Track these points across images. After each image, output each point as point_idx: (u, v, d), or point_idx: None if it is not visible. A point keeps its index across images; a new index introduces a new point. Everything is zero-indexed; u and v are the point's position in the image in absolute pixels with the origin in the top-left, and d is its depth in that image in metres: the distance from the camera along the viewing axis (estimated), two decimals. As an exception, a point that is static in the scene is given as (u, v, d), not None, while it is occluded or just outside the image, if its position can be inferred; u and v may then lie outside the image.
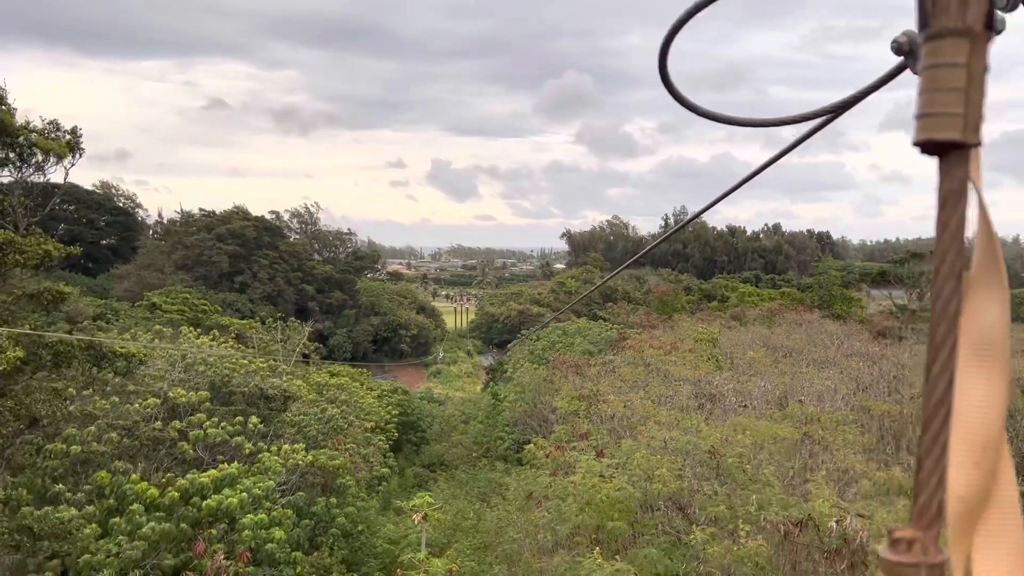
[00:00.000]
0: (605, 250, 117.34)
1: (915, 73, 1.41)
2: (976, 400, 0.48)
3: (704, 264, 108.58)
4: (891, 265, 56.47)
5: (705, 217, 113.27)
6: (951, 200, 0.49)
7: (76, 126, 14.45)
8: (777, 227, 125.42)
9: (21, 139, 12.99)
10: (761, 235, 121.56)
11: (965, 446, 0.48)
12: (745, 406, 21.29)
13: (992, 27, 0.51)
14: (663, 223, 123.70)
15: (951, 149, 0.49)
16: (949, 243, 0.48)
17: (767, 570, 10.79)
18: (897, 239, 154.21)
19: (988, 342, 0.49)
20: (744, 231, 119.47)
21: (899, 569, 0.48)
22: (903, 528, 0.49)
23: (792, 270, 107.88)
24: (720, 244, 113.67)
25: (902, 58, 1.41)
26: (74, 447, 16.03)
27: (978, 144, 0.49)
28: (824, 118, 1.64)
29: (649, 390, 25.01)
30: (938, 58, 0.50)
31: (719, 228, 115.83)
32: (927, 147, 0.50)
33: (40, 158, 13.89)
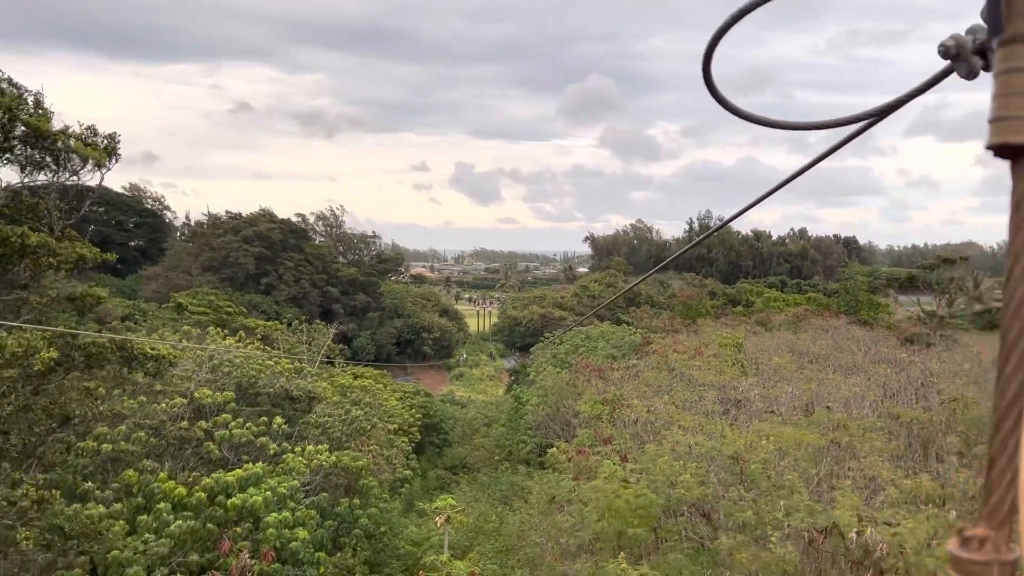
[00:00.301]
0: (628, 254, 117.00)
1: (962, 77, 1.41)
2: None
3: (729, 269, 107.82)
4: (920, 270, 55.72)
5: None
6: (1022, 204, 0.49)
7: (115, 132, 14.69)
8: (803, 232, 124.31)
9: (59, 144, 13.24)
10: (787, 240, 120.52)
11: None
12: (771, 412, 21.10)
13: None
14: (688, 227, 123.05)
15: (1021, 153, 0.49)
16: (1022, 245, 0.48)
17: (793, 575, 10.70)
18: (925, 244, 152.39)
19: None
20: (769, 235, 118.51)
21: (971, 567, 0.48)
22: (975, 526, 0.50)
23: (818, 275, 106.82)
24: (745, 248, 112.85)
25: (948, 62, 1.40)
26: (105, 445, 16.28)
27: None
28: (867, 121, 1.63)
29: (673, 395, 24.87)
30: (1013, 62, 0.50)
31: (744, 232, 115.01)
32: (1001, 150, 0.50)
33: (76, 162, 14.14)
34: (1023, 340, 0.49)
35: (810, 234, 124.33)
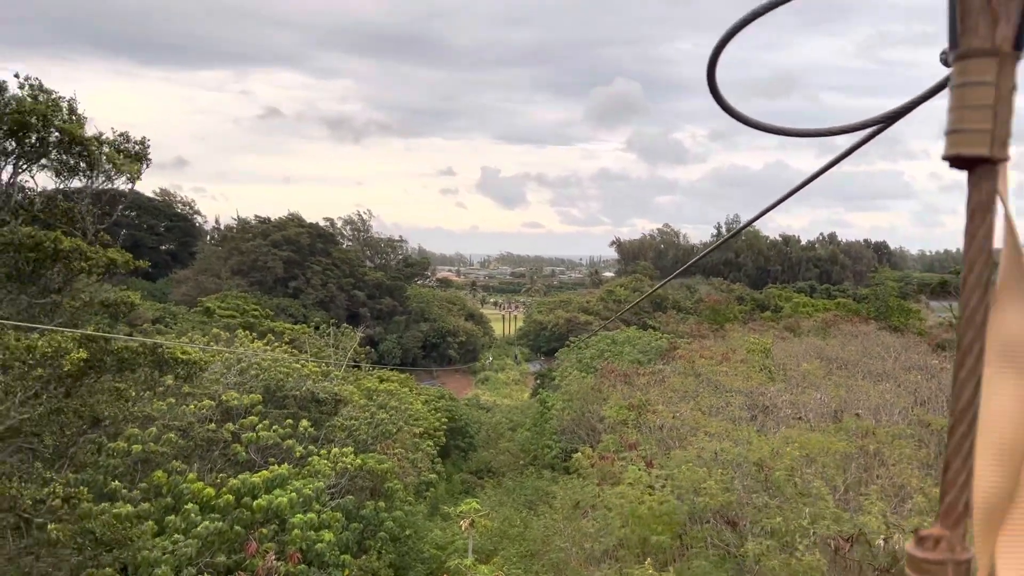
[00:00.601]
0: (655, 258, 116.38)
1: None
2: (1003, 405, 0.51)
3: (757, 273, 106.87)
4: (952, 276, 54.82)
5: (758, 226, 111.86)
6: (979, 213, 0.50)
7: (144, 137, 14.97)
8: (832, 236, 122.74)
9: (94, 149, 13.53)
10: (816, 244, 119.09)
11: (992, 448, 0.50)
12: (799, 418, 20.90)
13: (1022, 47, 0.53)
14: (715, 232, 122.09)
15: (979, 164, 0.51)
16: (976, 254, 0.50)
17: (820, 585, 10.59)
18: (957, 250, 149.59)
19: (1014, 350, 0.51)
20: (798, 240, 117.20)
21: (926, 566, 0.50)
22: (930, 526, 0.51)
23: (848, 280, 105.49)
24: (773, 253, 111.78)
25: (951, 69, 1.41)
26: (135, 446, 16.54)
27: (1005, 160, 0.50)
28: (876, 127, 1.64)
29: (699, 400, 24.71)
30: (966, 77, 0.52)
31: (772, 237, 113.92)
32: (956, 162, 0.52)
33: (108, 167, 14.42)
34: (976, 347, 0.50)
35: (840, 239, 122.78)
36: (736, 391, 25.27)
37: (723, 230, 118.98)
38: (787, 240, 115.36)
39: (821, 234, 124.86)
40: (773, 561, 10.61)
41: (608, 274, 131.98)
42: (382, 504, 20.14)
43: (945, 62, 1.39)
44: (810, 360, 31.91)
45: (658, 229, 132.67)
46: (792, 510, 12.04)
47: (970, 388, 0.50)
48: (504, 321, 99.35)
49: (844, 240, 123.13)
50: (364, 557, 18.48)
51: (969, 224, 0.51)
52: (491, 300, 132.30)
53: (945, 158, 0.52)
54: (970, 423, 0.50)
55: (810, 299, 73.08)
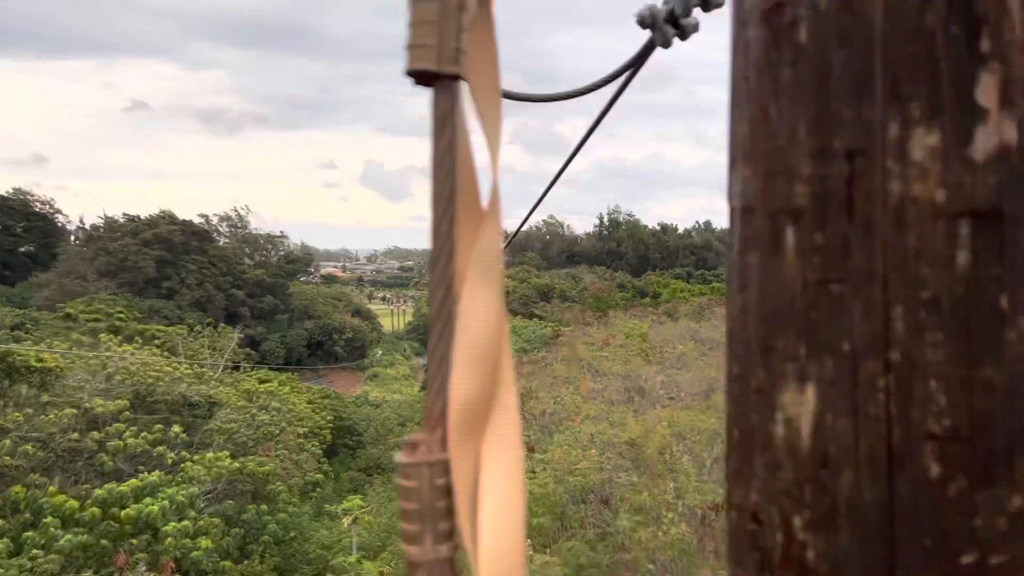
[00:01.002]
0: (542, 249, 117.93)
1: (659, 45, 1.49)
2: (478, 312, 0.54)
3: (638, 262, 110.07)
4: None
5: (639, 215, 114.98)
6: (437, 128, 0.53)
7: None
8: (708, 224, 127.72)
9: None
10: (692, 232, 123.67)
11: (468, 354, 0.53)
12: (672, 398, 21.70)
13: None
14: (598, 222, 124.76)
15: (437, 79, 0.53)
16: (438, 167, 0.53)
17: (689, 553, 11.10)
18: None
19: (488, 264, 0.55)
20: (676, 229, 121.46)
21: (408, 470, 0.52)
22: (415, 432, 0.54)
23: (722, 265, 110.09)
24: (653, 242, 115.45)
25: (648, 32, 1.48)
26: (-16, 461, 15.47)
27: (455, 75, 0.53)
28: (625, 77, 1.70)
29: (579, 385, 25.26)
30: None
31: (652, 226, 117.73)
32: (419, 78, 0.54)
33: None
34: (444, 255, 0.53)
35: (714, 226, 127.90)
36: (614, 374, 25.97)
37: (605, 220, 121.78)
38: (665, 229, 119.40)
39: (697, 222, 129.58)
40: (640, 534, 11.06)
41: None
42: (264, 507, 19.68)
43: (642, 24, 1.46)
44: (685, 343, 33.17)
45: (543, 220, 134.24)
46: (657, 486, 12.55)
47: (440, 293, 0.53)
48: (393, 316, 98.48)
49: (719, 227, 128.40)
50: (246, 562, 18.07)
51: (431, 138, 0.53)
52: (379, 295, 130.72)
53: (408, 73, 0.54)
54: (443, 328, 0.52)
55: (687, 284, 75.92)
